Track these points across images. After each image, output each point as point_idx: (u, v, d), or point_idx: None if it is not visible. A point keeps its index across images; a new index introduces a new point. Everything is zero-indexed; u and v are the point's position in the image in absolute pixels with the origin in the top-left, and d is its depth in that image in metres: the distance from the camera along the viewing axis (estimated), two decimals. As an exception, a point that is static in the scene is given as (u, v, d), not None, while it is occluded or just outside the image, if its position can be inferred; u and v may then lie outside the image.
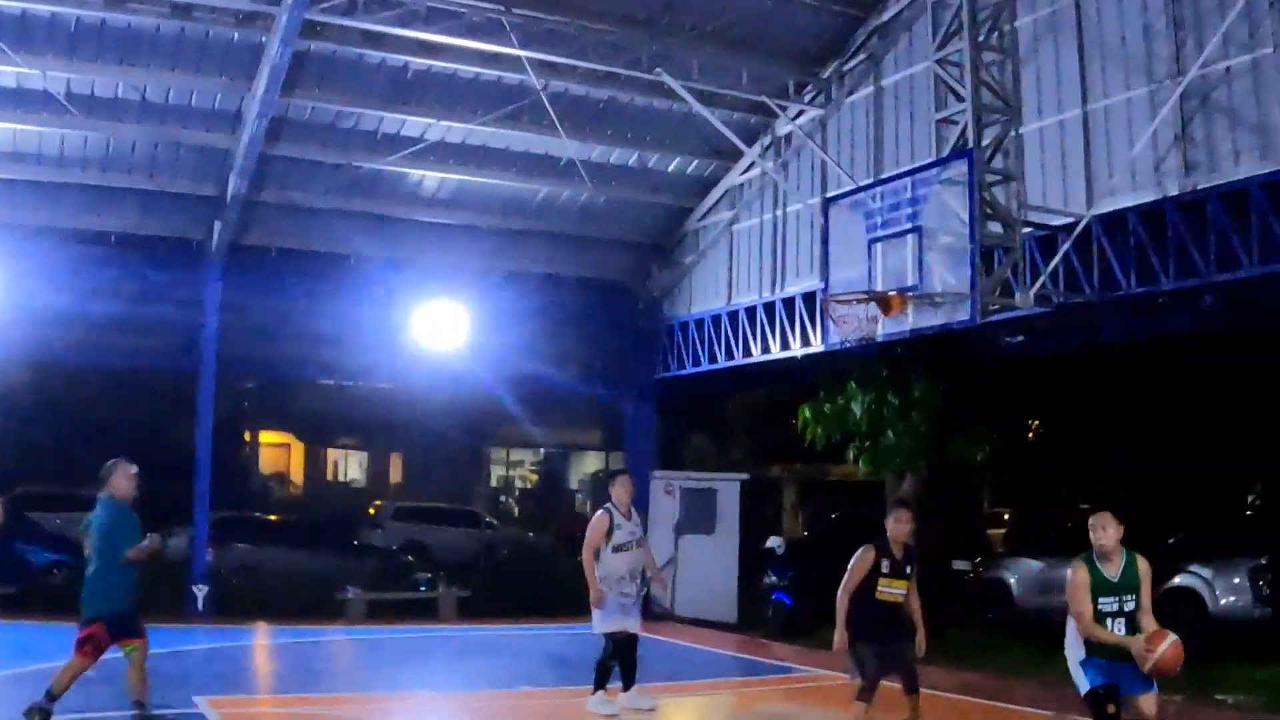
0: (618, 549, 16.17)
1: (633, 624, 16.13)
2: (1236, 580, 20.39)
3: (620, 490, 16.72)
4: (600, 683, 16.11)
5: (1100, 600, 11.12)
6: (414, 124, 24.50)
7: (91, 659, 13.60)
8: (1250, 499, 31.53)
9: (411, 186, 26.53)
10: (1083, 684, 11.27)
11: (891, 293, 18.34)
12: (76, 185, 24.96)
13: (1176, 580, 20.59)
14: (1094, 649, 11.17)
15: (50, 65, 21.72)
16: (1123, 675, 11.03)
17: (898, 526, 14.21)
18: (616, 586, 16.04)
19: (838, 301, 19.49)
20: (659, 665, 21.52)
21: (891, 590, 13.82)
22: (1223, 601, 20.26)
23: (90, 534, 14.01)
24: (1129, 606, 11.15)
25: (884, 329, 18.92)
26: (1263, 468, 29.55)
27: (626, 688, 16.25)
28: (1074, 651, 11.43)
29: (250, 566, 28.83)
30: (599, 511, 16.62)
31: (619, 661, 16.11)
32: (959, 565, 27.87)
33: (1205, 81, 17.27)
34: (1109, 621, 11.09)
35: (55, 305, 24.97)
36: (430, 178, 26.32)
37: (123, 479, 14.13)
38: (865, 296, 18.72)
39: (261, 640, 23.85)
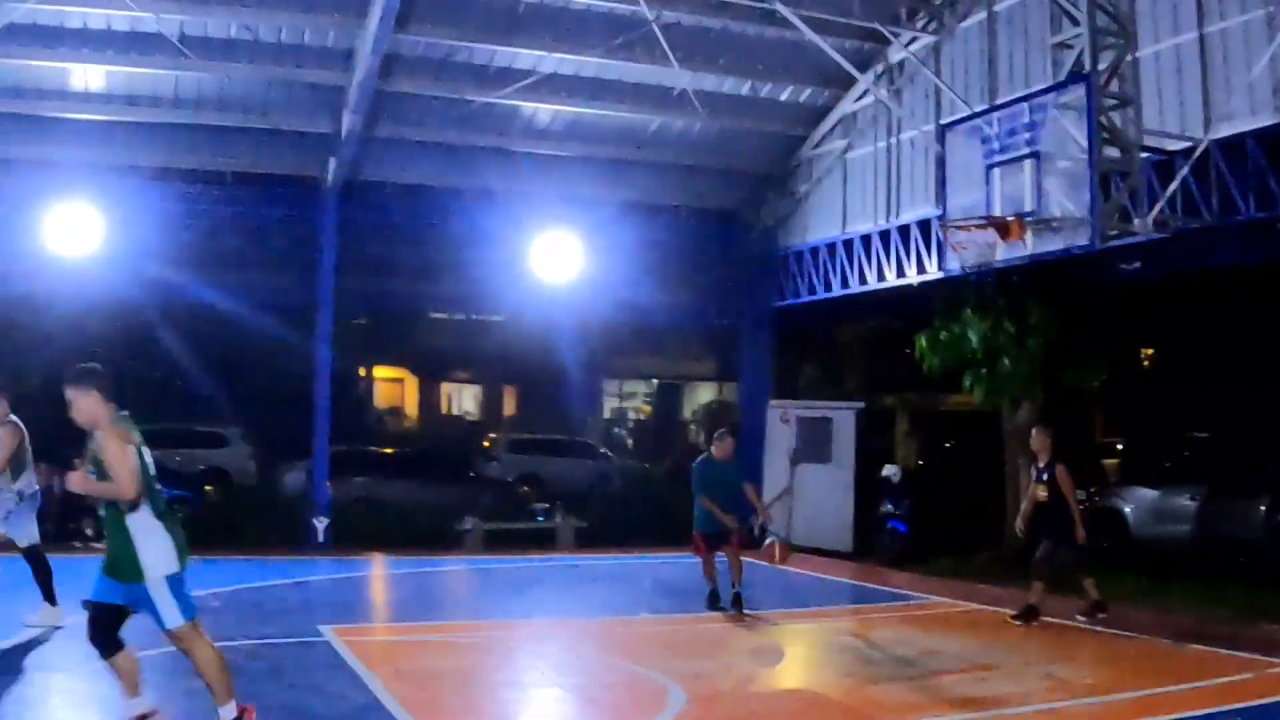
0: None
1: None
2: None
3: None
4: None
5: None
6: (526, 57, 24.54)
7: None
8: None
9: (525, 120, 26.59)
10: None
11: (1009, 218, 18.22)
12: (192, 126, 25.32)
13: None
14: None
15: (163, 8, 21.97)
16: None
17: (1033, 440, 18.00)
18: None
19: (956, 227, 19.40)
20: (776, 593, 21.61)
21: (1039, 493, 17.63)
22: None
23: None
24: None
25: (1002, 255, 18.80)
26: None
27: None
28: None
29: (368, 499, 29.14)
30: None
31: None
32: (1075, 494, 27.73)
33: (1326, 1, 17.00)
34: None
35: (173, 244, 25.39)
36: (543, 110, 26.36)
37: None
38: (983, 222, 18.61)
39: (382, 571, 24.11)
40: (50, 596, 15.98)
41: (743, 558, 18.74)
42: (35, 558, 16.21)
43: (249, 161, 26.31)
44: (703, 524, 18.77)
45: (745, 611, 18.28)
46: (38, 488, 16.44)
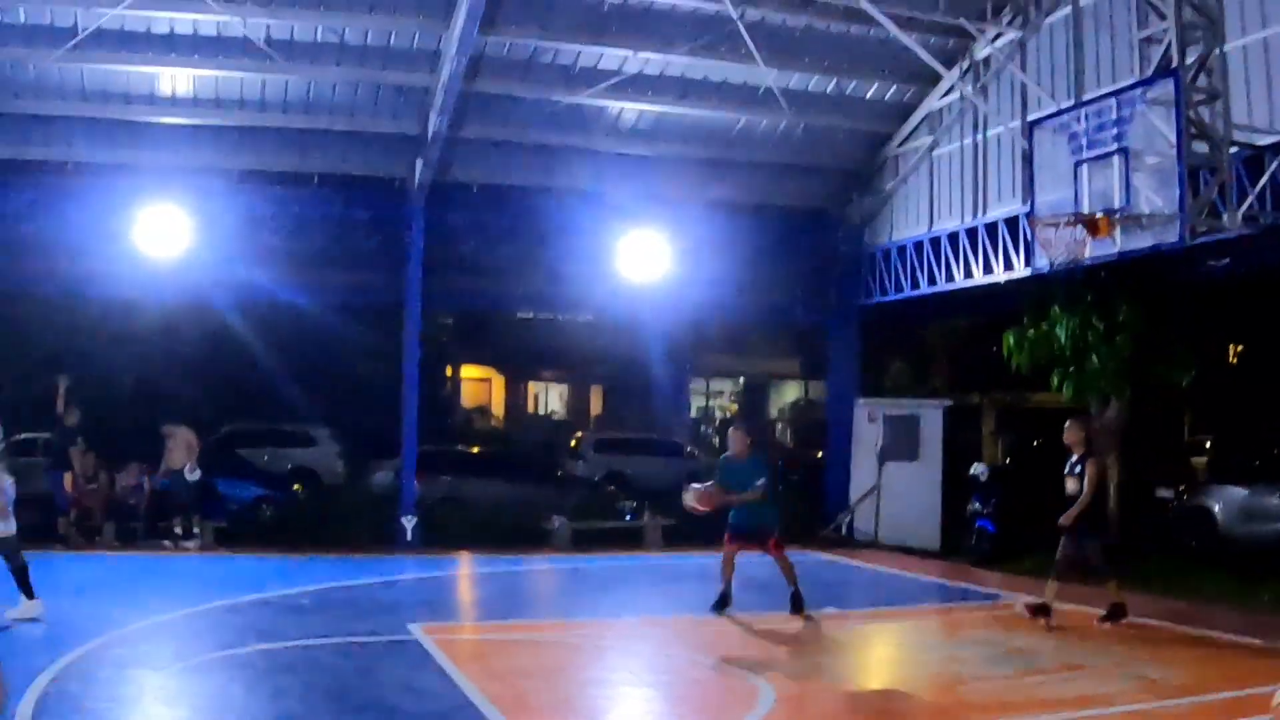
0: None
1: None
2: None
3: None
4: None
5: None
6: (612, 57, 24.61)
7: None
8: None
9: (611, 119, 26.65)
10: None
11: (1098, 215, 18.09)
12: (279, 129, 25.62)
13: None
14: None
15: (250, 12, 22.23)
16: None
17: (1067, 433, 17.62)
18: None
19: (1044, 224, 19.28)
20: (863, 591, 21.57)
21: (1068, 485, 17.20)
22: None
23: None
24: None
25: (1090, 252, 18.66)
26: None
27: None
28: None
29: (455, 498, 29.25)
30: None
31: None
32: (1162, 493, 27.52)
33: None
34: None
35: (260, 246, 25.70)
36: (629, 110, 26.43)
37: None
38: (1072, 219, 18.48)
39: (469, 569, 24.22)
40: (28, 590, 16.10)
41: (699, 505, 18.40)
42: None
43: (336, 163, 26.51)
44: (734, 520, 18.40)
45: (807, 612, 18.02)
46: (10, 480, 16.57)
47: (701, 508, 18.42)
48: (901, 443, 28.13)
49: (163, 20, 22.60)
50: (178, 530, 25.12)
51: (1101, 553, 17.35)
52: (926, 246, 26.88)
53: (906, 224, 27.84)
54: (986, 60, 24.77)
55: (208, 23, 22.59)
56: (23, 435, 31.06)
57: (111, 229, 24.51)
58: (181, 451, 25.57)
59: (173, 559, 23.89)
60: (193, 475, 25.41)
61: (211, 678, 13.41)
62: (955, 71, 24.88)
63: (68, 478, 24.82)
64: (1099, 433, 18.11)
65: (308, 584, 20.02)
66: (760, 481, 18.24)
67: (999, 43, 24.07)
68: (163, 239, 24.45)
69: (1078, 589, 19.26)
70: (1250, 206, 18.21)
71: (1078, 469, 17.12)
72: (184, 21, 22.66)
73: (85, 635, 14.91)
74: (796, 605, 18.08)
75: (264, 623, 16.68)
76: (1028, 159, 20.86)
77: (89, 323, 32.96)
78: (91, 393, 26.89)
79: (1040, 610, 17.18)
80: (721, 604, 18.21)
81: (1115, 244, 18.30)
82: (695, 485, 18.91)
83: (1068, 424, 17.80)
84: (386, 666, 14.25)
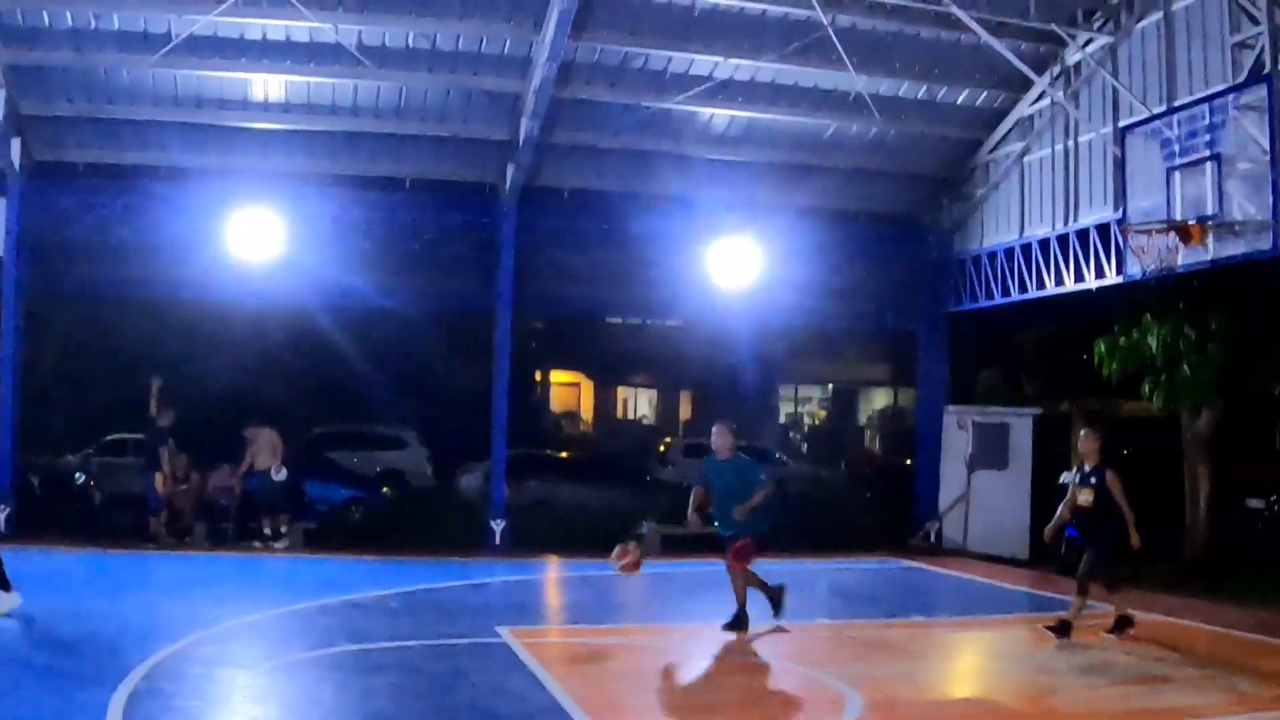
0: None
1: None
2: None
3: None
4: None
5: None
6: (702, 63, 24.61)
7: None
8: None
9: (701, 125, 26.68)
10: None
11: (1191, 222, 17.99)
12: (371, 134, 25.81)
13: None
14: None
15: (342, 19, 22.45)
16: None
17: (1081, 442, 17.31)
18: None
19: (1136, 231, 19.19)
20: (952, 599, 21.50)
21: (1081, 496, 16.92)
22: None
23: None
24: None
25: (1183, 259, 18.55)
26: None
27: None
28: None
29: (544, 502, 29.33)
30: None
31: None
32: (1253, 503, 27.28)
33: None
34: None
35: (352, 250, 25.88)
36: (719, 116, 26.43)
37: None
38: (1164, 226, 18.39)
39: (558, 573, 24.31)
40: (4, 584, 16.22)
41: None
42: None
43: (427, 168, 26.70)
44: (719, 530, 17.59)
45: (743, 635, 17.19)
46: None
47: (627, 571, 17.73)
48: (991, 451, 28.00)
49: (255, 26, 22.84)
50: (267, 531, 25.39)
51: (1107, 562, 16.93)
52: (1017, 253, 26.72)
53: (997, 230, 27.69)
54: (1077, 66, 24.60)
55: (300, 29, 22.81)
56: (116, 436, 31.58)
57: (204, 233, 24.76)
58: (266, 453, 25.85)
59: (262, 559, 24.12)
60: (279, 476, 25.66)
61: (301, 677, 13.56)
62: (1046, 77, 24.75)
63: (159, 478, 25.06)
64: (1106, 443, 17.64)
65: (397, 586, 20.17)
66: (763, 479, 17.52)
67: (1090, 48, 23.89)
68: (255, 243, 24.63)
69: (1166, 600, 19.16)
70: (1346, 212, 18.02)
71: (1091, 480, 16.77)
72: (276, 28, 22.89)
73: (176, 633, 15.11)
74: (736, 623, 17.34)
75: (354, 624, 16.84)
76: (1119, 165, 20.77)
77: (182, 325, 33.31)
78: (184, 394, 27.15)
79: (1122, 623, 16.96)
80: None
81: (1208, 251, 18.23)
82: (621, 545, 18.14)
83: (1083, 432, 17.64)
84: (476, 669, 14.34)
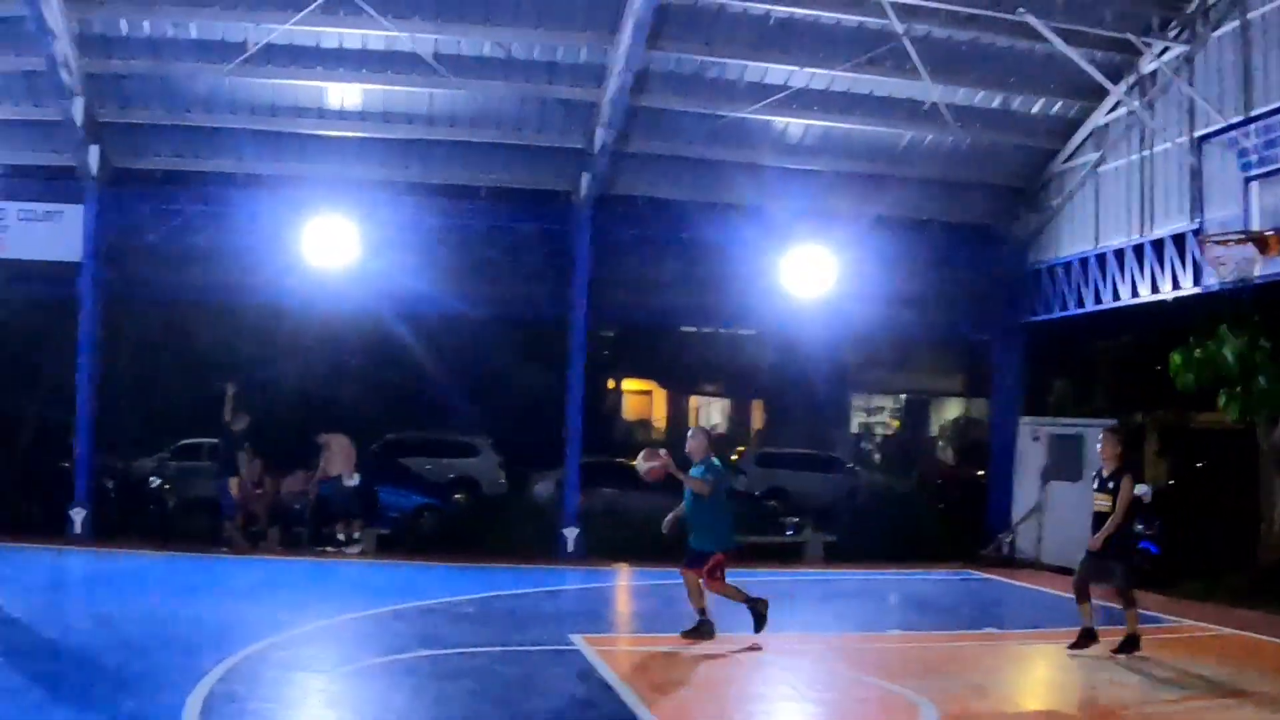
0: None
1: None
2: None
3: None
4: None
5: None
6: (777, 72, 24.66)
7: None
8: None
9: (776, 134, 26.67)
10: None
11: (1269, 232, 17.86)
12: (446, 142, 25.96)
13: None
14: None
15: (418, 28, 22.64)
16: None
17: (1102, 447, 16.76)
18: None
19: (1213, 242, 19.06)
20: (1025, 612, 21.41)
21: (1098, 502, 16.59)
22: None
23: None
24: None
25: (1261, 270, 18.41)
26: None
27: None
28: None
29: (616, 510, 29.31)
30: None
31: None
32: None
33: None
34: None
35: (427, 257, 26.03)
36: (794, 125, 26.45)
37: None
38: (1242, 236, 18.26)
39: (630, 581, 24.35)
40: None
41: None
42: None
43: (503, 176, 26.84)
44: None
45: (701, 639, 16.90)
46: None
47: (652, 475, 17.00)
48: (1065, 462, 27.78)
49: (331, 35, 23.08)
50: (340, 536, 25.54)
51: (1126, 578, 16.64)
52: (1092, 263, 26.56)
53: (1072, 241, 27.52)
54: (1153, 75, 24.44)
55: (376, 38, 23.03)
56: (191, 440, 31.86)
57: (280, 239, 25.03)
58: (339, 459, 26.04)
59: (336, 565, 24.27)
60: (351, 481, 25.83)
61: (375, 682, 13.66)
62: (1121, 86, 24.61)
63: (234, 482, 25.32)
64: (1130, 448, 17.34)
65: (470, 592, 20.29)
66: (703, 472, 16.81)
67: (1166, 57, 23.74)
68: (330, 250, 24.85)
69: (1241, 613, 19.00)
70: None
71: (1110, 485, 16.42)
72: (352, 36, 23.13)
73: (250, 637, 15.28)
74: (699, 630, 16.97)
75: (428, 629, 16.95)
76: (1196, 175, 20.62)
77: (257, 331, 33.58)
78: (258, 400, 27.37)
79: (1129, 643, 16.48)
80: (702, 631, 17.01)
81: (1287, 263, 18.07)
82: (649, 448, 17.75)
83: (1103, 435, 17.08)
84: (549, 676, 14.41)
